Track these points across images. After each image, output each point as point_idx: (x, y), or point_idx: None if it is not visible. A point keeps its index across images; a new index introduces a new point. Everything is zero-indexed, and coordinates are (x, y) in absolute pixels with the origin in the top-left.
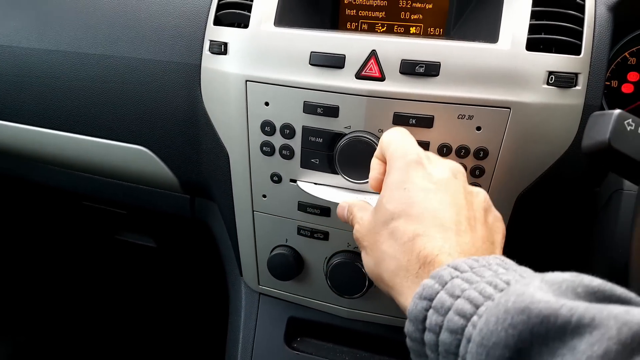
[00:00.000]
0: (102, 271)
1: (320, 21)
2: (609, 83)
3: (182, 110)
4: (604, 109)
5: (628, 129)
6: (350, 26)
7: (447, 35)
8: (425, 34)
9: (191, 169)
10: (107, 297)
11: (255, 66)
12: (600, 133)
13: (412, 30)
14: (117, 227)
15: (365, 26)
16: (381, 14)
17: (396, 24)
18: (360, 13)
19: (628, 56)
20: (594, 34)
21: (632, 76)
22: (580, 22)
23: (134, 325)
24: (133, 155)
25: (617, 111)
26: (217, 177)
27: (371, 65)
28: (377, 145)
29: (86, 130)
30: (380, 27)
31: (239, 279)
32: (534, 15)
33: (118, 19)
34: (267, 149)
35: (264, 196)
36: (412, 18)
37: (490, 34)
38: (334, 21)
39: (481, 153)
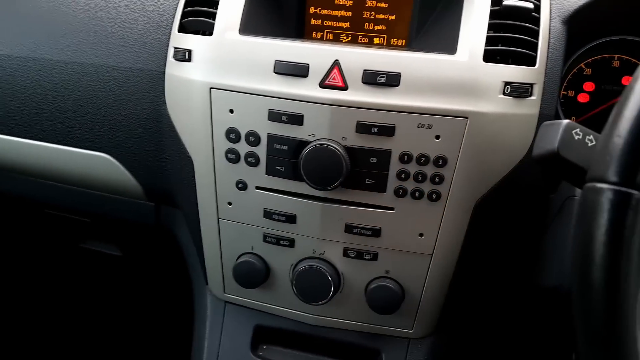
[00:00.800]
0: (66, 280)
1: (286, 30)
2: (565, 92)
3: (146, 118)
4: (560, 118)
5: (576, 138)
6: (316, 36)
7: (410, 45)
8: (389, 45)
9: (155, 176)
10: (72, 306)
11: (220, 74)
12: (549, 142)
13: (376, 40)
14: (81, 235)
15: (330, 36)
16: (346, 25)
17: (360, 34)
18: (326, 23)
19: (584, 67)
20: (548, 46)
21: (588, 86)
22: (535, 34)
23: (99, 335)
24: (96, 163)
25: (566, 121)
26: (182, 184)
27: (334, 74)
28: (340, 153)
29: (48, 138)
30: (345, 37)
31: (205, 288)
32: (491, 27)
33: (81, 25)
34: (232, 156)
35: (230, 203)
36: (376, 29)
37: (449, 45)
38: (299, 30)
39: (440, 161)
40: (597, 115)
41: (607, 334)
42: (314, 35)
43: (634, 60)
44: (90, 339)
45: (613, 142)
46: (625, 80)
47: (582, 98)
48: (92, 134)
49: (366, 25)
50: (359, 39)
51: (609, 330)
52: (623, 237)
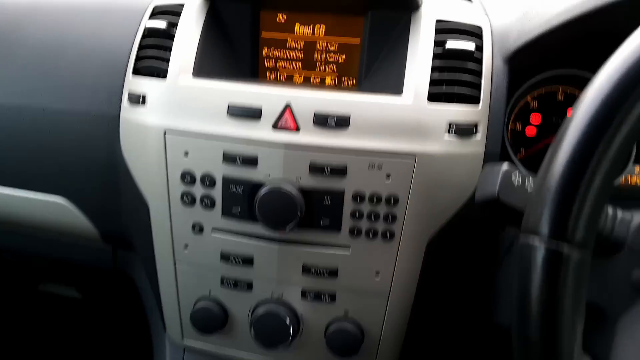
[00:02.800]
0: (25, 323)
1: (240, 71)
2: (513, 126)
3: (101, 161)
4: (507, 154)
5: (515, 182)
6: (270, 76)
7: (360, 84)
8: (340, 84)
9: (112, 220)
10: (31, 350)
11: (174, 117)
12: (490, 187)
13: (328, 80)
14: (39, 278)
15: (283, 76)
16: (298, 65)
17: (312, 75)
18: (279, 64)
19: (530, 100)
20: (491, 85)
21: (535, 119)
22: (478, 74)
23: None
24: (52, 207)
25: (505, 166)
26: (138, 227)
27: (286, 117)
28: (294, 195)
29: (3, 181)
30: (298, 78)
31: (163, 333)
32: (435, 69)
33: (37, 69)
34: (188, 199)
35: (186, 246)
36: (327, 70)
37: (395, 86)
38: (253, 71)
39: (392, 200)
40: (543, 150)
41: None
42: (267, 75)
43: (578, 91)
44: None
45: (544, 192)
46: (569, 112)
47: (530, 131)
48: (48, 177)
49: (318, 66)
50: (312, 79)
51: None
52: (557, 294)
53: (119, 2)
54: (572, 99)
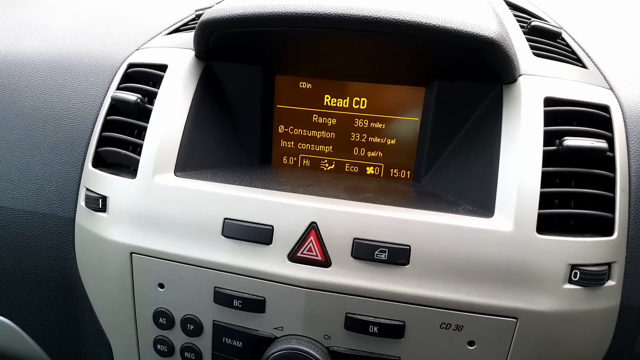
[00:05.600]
0: None
1: (245, 156)
2: None
3: (52, 277)
4: None
5: None
6: (288, 161)
7: (417, 180)
8: (387, 176)
9: (68, 349)
10: None
11: (144, 234)
12: None
13: (370, 170)
14: None
15: (306, 162)
16: (327, 149)
17: (348, 162)
18: (300, 146)
19: None
20: (629, 202)
21: None
22: (611, 185)
23: None
24: None
25: None
26: None
27: (310, 243)
28: None
29: None
30: (326, 165)
31: None
32: (547, 178)
33: None
34: (163, 348)
35: None
36: (369, 156)
37: (481, 200)
38: (264, 154)
39: None
40: None
41: None
42: (284, 160)
43: None
44: None
45: None
46: None
47: None
48: None
49: (355, 151)
50: (347, 167)
51: None
52: None
53: (82, 55)
54: None
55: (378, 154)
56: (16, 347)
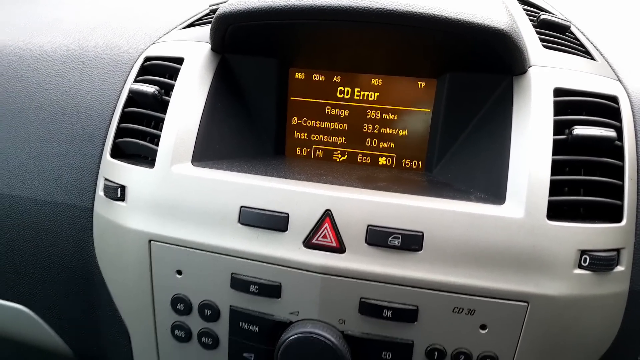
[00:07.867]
0: None
1: (260, 147)
2: None
3: (70, 265)
4: None
5: None
6: (301, 152)
7: (429, 170)
8: (399, 167)
9: (86, 338)
10: None
11: (163, 221)
12: None
13: (382, 161)
14: None
15: (319, 153)
16: (340, 139)
17: (360, 153)
18: (313, 137)
19: None
20: (638, 190)
21: None
22: (619, 173)
23: None
24: (10, 316)
25: None
26: (119, 355)
27: (325, 230)
28: (337, 347)
29: None
30: (339, 156)
31: None
32: (557, 165)
33: None
34: (181, 334)
35: None
36: (381, 147)
37: (492, 187)
38: (278, 145)
39: None
40: None
41: None
42: (298, 151)
43: None
44: None
45: None
46: None
47: None
48: (5, 279)
49: (368, 142)
50: (359, 157)
51: None
52: None
53: (99, 49)
54: None
55: (390, 144)
56: (35, 335)
